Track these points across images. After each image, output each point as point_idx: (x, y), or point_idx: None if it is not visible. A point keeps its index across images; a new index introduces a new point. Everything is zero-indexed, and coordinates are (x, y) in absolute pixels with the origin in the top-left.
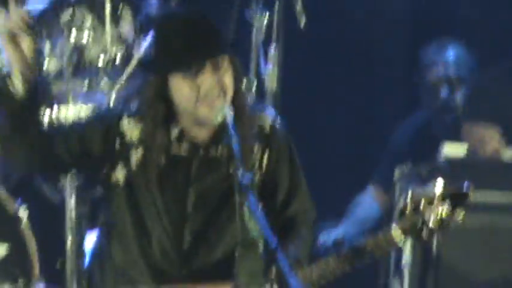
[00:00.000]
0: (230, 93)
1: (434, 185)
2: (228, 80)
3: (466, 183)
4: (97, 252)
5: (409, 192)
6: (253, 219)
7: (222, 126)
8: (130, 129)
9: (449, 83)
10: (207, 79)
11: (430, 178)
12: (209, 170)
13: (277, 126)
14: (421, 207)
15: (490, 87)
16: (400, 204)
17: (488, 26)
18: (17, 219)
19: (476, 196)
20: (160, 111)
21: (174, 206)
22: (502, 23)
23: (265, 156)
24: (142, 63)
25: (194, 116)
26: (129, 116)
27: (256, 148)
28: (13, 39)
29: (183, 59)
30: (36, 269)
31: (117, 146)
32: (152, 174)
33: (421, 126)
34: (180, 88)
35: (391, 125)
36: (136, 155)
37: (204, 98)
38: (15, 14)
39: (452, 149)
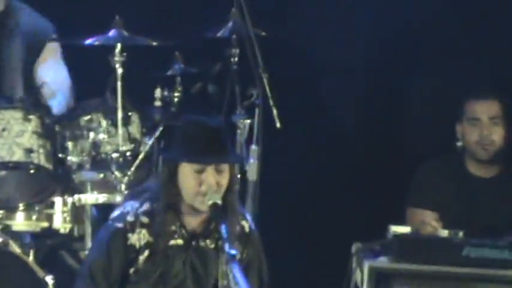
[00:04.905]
0: (224, 190)
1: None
2: (225, 181)
3: None
4: None
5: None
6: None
7: (211, 220)
8: (137, 239)
9: None
10: (209, 177)
11: (381, 253)
12: (201, 260)
13: (253, 229)
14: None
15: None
16: (357, 277)
17: None
18: (45, 285)
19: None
20: (172, 195)
21: None
22: None
23: (244, 253)
24: (162, 153)
25: (191, 204)
26: (133, 227)
27: (237, 243)
28: None
29: (197, 157)
30: None
31: (129, 256)
32: (157, 266)
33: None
34: (187, 178)
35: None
36: (143, 256)
37: (203, 192)
38: None
39: (398, 230)
